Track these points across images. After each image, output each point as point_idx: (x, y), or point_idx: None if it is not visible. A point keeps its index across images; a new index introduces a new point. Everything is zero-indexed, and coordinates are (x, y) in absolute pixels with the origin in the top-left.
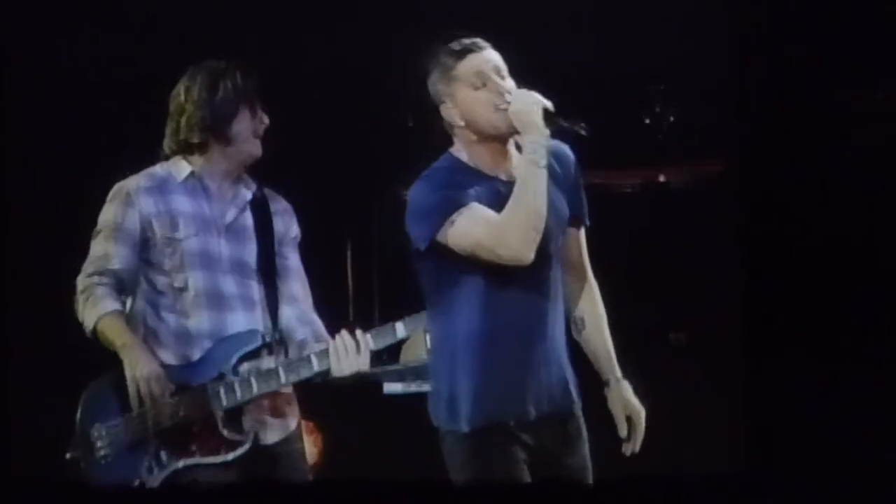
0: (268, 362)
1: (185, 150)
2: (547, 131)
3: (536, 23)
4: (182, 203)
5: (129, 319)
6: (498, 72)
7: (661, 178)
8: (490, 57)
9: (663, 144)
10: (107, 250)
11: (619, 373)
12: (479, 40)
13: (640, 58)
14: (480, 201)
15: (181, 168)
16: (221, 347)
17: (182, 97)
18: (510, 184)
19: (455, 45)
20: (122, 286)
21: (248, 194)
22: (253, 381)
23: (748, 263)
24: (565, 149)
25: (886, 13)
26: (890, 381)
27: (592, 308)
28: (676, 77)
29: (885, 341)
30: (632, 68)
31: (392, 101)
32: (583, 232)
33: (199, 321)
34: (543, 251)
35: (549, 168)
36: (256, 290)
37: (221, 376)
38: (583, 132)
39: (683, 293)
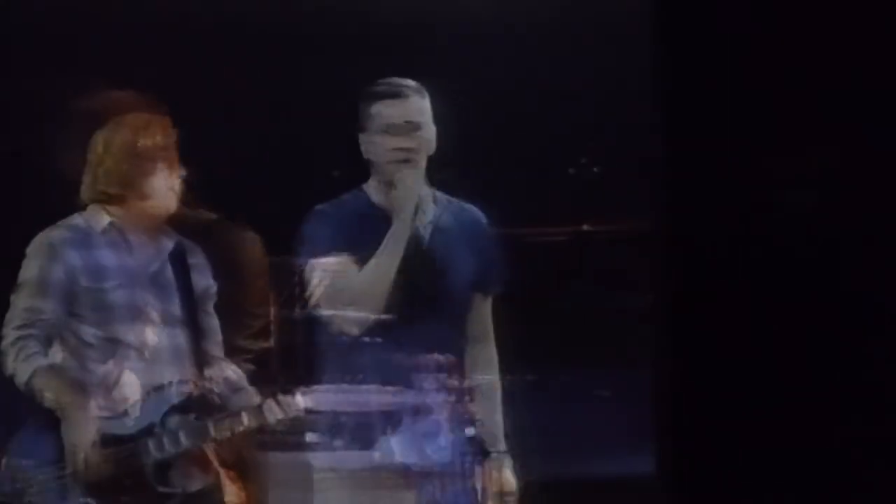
0: (196, 416)
1: (103, 199)
2: (415, 190)
3: (467, 72)
4: (105, 255)
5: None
6: (409, 125)
7: (585, 228)
8: (408, 108)
9: (588, 196)
10: (34, 303)
11: (503, 447)
12: (407, 86)
13: (566, 112)
14: (376, 244)
15: (100, 219)
16: (150, 399)
17: (101, 148)
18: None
19: (381, 86)
20: (51, 339)
21: (169, 245)
22: (182, 435)
23: (673, 317)
24: (475, 212)
25: (818, 77)
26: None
27: (489, 377)
28: (602, 130)
29: (813, 401)
30: (558, 122)
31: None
32: (489, 300)
33: (129, 373)
34: (439, 312)
35: (454, 230)
36: (183, 341)
37: (151, 429)
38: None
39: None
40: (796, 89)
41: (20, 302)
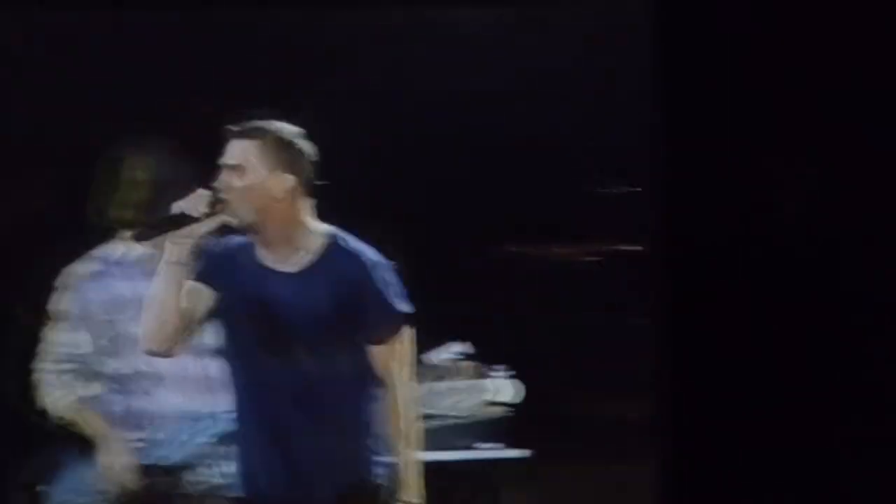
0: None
1: (127, 224)
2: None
3: (466, 72)
4: (133, 287)
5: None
6: (244, 165)
7: (580, 252)
8: (239, 148)
9: (588, 196)
10: (64, 337)
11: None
12: (256, 125)
13: (566, 112)
14: (234, 288)
15: (130, 249)
16: (187, 430)
17: (135, 173)
18: (285, 276)
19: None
20: (84, 372)
21: None
22: (216, 466)
23: (667, 339)
24: (363, 255)
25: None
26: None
27: (392, 424)
28: (602, 130)
29: (813, 401)
30: (558, 122)
31: None
32: (385, 347)
33: (159, 403)
34: (293, 351)
35: (330, 272)
36: (213, 371)
37: (188, 460)
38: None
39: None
40: (796, 89)
41: (52, 335)
